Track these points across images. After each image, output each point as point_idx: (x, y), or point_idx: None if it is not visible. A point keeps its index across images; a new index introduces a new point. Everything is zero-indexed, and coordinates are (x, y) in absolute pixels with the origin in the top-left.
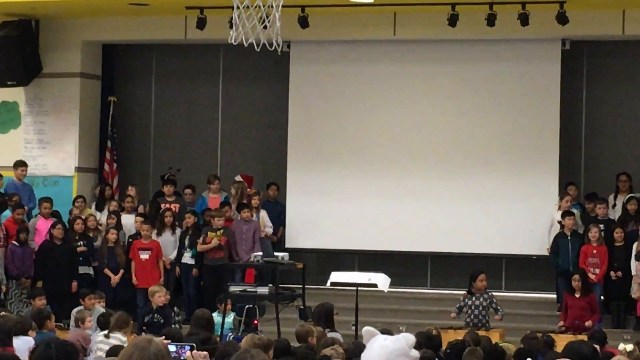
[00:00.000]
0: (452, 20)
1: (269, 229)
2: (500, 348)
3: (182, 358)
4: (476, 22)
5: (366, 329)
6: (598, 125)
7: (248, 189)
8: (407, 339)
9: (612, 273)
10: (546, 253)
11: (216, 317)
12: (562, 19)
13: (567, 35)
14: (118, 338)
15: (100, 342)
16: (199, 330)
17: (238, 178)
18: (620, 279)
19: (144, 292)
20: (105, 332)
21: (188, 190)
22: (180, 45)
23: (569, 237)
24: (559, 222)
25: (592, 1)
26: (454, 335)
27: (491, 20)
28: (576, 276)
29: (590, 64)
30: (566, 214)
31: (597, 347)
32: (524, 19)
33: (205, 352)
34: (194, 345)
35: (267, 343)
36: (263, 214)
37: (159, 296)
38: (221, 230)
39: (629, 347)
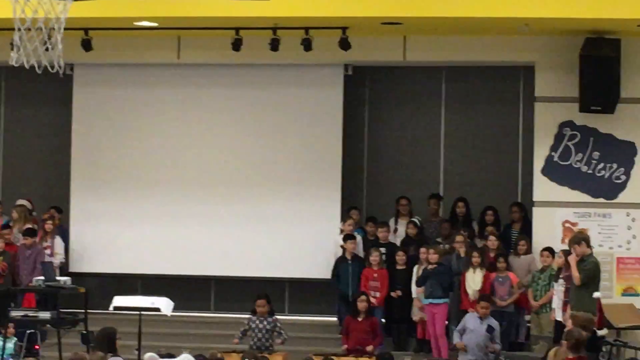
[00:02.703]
0: (236, 45)
1: (60, 256)
2: None
3: None
4: (260, 46)
5: (148, 355)
6: (380, 149)
7: (45, 214)
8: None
9: (392, 293)
10: (329, 277)
11: None
12: (344, 44)
13: (349, 60)
14: None
15: None
16: None
17: (21, 202)
18: (402, 301)
19: None
20: None
21: None
22: None
23: (350, 261)
24: (341, 247)
25: (373, 28)
26: (237, 358)
27: (274, 45)
28: (363, 297)
29: (372, 89)
30: (347, 237)
31: None
32: (307, 45)
33: None
34: None
35: None
36: (58, 240)
37: None
38: (1, 258)
39: None
